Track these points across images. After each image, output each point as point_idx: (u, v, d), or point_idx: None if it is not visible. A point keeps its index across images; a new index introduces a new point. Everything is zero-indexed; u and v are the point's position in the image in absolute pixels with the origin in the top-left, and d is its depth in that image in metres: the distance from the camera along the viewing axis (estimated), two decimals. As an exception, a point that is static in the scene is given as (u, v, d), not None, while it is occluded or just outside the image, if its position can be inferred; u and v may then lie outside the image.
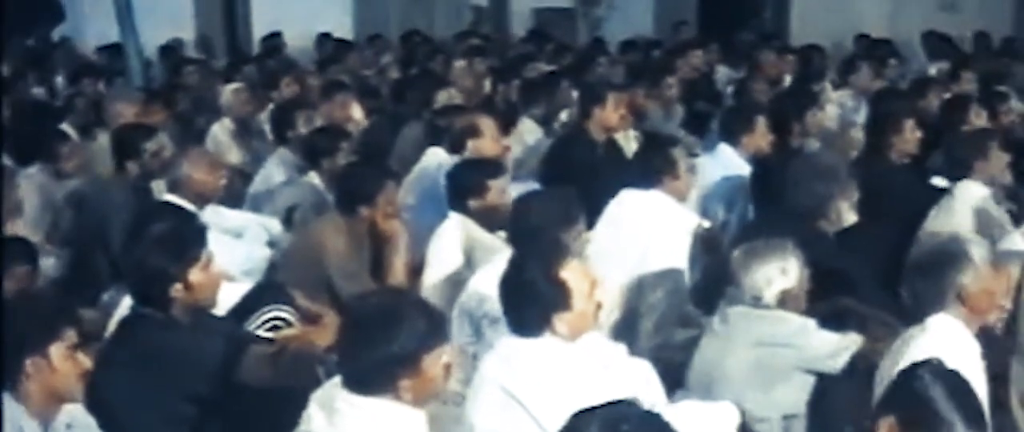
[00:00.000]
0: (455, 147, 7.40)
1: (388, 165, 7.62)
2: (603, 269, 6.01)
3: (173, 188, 6.70)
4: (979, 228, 6.43)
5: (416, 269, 6.33)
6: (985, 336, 4.71)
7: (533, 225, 5.39)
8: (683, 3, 18.26)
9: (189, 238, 4.89)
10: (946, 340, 4.52)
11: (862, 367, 4.90)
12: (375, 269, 6.35)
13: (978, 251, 4.59)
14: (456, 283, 5.84)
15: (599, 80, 10.60)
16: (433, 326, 3.76)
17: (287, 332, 5.20)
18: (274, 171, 8.22)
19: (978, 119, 8.39)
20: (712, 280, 5.93)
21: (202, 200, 6.73)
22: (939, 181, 7.49)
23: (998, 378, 5.35)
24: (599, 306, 4.41)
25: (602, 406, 3.00)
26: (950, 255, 4.59)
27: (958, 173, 6.82)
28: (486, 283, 4.97)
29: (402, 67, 13.41)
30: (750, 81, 10.63)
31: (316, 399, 3.85)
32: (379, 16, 17.37)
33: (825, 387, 4.99)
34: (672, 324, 6.09)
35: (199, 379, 4.66)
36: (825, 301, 5.43)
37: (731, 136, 7.74)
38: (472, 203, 6.24)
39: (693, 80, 11.78)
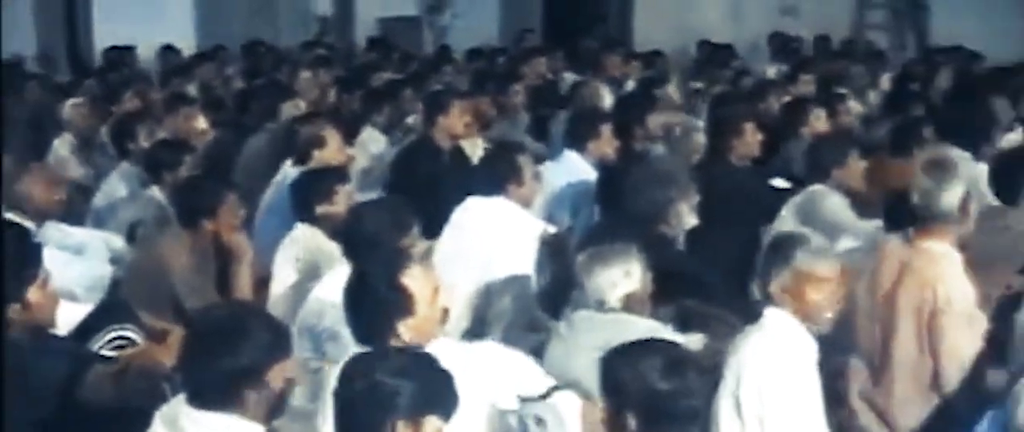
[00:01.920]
0: (300, 158, 7.36)
1: (230, 177, 7.56)
2: (450, 276, 6.03)
3: (13, 205, 6.57)
4: (821, 228, 6.57)
5: (263, 281, 6.29)
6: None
7: (366, 234, 5.37)
8: (528, 11, 18.38)
9: (24, 257, 4.79)
10: (778, 335, 4.62)
11: (705, 366, 4.96)
12: (221, 283, 6.28)
13: (811, 248, 4.67)
14: (302, 294, 5.80)
15: (443, 88, 10.62)
16: (277, 339, 3.73)
17: (131, 351, 5.12)
18: (116, 186, 8.08)
19: (817, 121, 8.58)
20: (558, 285, 5.97)
21: (42, 217, 6.61)
22: (780, 182, 7.64)
23: (838, 373, 5.50)
24: (445, 311, 4.42)
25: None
26: (783, 252, 4.68)
27: (816, 178, 6.94)
28: (327, 293, 4.95)
29: (247, 78, 13.28)
30: (590, 86, 10.73)
31: (160, 416, 3.79)
32: (223, 27, 17.17)
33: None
34: (520, 330, 6.11)
35: (40, 401, 4.57)
36: (669, 303, 5.50)
37: (576, 142, 7.79)
38: (319, 210, 6.21)
39: (538, 87, 11.84)
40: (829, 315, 4.68)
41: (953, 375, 5.13)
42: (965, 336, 5.12)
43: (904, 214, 5.32)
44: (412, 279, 4.20)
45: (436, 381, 3.60)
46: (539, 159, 7.88)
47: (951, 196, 5.14)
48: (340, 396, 3.58)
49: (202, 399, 3.66)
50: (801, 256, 4.63)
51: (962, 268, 5.22)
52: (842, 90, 10.59)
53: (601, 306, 5.06)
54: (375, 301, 4.17)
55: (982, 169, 6.92)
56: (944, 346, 5.10)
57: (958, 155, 5.68)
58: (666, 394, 3.66)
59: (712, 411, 4.56)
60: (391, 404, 3.48)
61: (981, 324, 5.19)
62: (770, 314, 4.66)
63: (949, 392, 5.18)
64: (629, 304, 5.05)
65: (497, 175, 6.39)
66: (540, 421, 4.21)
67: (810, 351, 4.69)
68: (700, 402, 3.77)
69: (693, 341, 5.08)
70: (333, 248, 6.00)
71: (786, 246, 4.71)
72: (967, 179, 5.33)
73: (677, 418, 3.69)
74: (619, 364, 3.81)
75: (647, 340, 4.09)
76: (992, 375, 5.16)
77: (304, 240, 6.21)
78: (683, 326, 5.28)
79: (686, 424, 3.73)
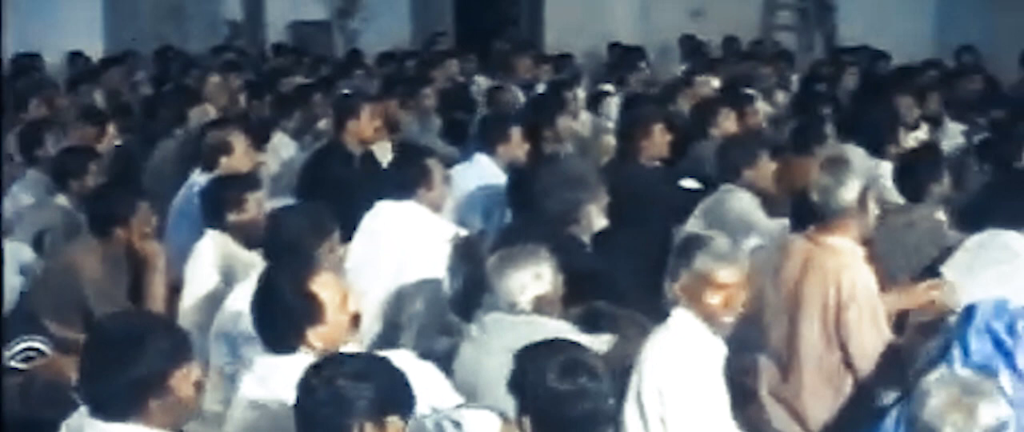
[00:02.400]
0: (207, 164, 7.31)
1: (139, 184, 7.49)
2: (361, 281, 6.06)
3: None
4: (731, 228, 6.64)
5: (176, 289, 6.24)
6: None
7: (286, 240, 5.35)
8: (440, 14, 18.38)
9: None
10: (681, 336, 4.67)
11: (615, 367, 4.99)
12: (134, 292, 6.22)
13: (712, 252, 4.72)
14: (215, 302, 5.76)
15: (353, 92, 10.59)
16: (178, 344, 3.70)
17: (39, 362, 5.06)
18: (23, 194, 7.98)
19: (727, 121, 8.67)
20: (470, 288, 5.99)
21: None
22: (690, 183, 7.70)
23: (748, 371, 5.56)
24: (356, 317, 4.41)
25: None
26: (686, 254, 4.72)
27: (726, 178, 7.00)
28: (242, 300, 4.92)
29: (155, 84, 13.16)
30: (503, 89, 10.77)
31: (66, 428, 3.75)
32: (131, 33, 16.98)
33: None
34: (433, 333, 6.12)
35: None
36: (580, 305, 5.52)
37: (487, 145, 7.80)
38: (230, 218, 6.17)
39: (449, 90, 11.86)
40: (729, 319, 4.72)
41: (861, 366, 5.22)
42: (870, 327, 5.20)
43: (808, 212, 5.39)
44: (321, 286, 4.18)
45: (395, 382, 3.64)
46: (450, 162, 7.91)
47: (849, 192, 5.22)
48: (302, 404, 3.60)
49: (104, 410, 3.61)
50: (701, 259, 4.68)
51: (863, 261, 5.32)
52: (750, 91, 10.70)
53: (512, 308, 5.07)
54: (284, 309, 4.14)
55: (887, 167, 7.04)
56: (851, 337, 5.19)
57: (856, 153, 5.73)
58: (562, 396, 3.72)
59: (621, 413, 4.61)
60: (354, 408, 3.52)
61: (885, 316, 5.29)
62: (676, 315, 4.72)
63: (857, 384, 5.27)
64: (540, 306, 5.06)
65: (407, 179, 6.40)
66: (457, 424, 4.21)
67: (714, 352, 4.73)
68: (601, 405, 3.80)
69: (602, 342, 5.10)
70: (246, 255, 5.97)
71: (689, 248, 4.76)
72: (868, 176, 5.42)
73: (573, 421, 3.74)
74: (521, 364, 3.88)
75: (552, 341, 4.12)
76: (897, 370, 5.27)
77: (216, 248, 6.16)
78: (594, 327, 5.30)
79: (585, 427, 3.76)
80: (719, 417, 4.73)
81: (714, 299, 4.67)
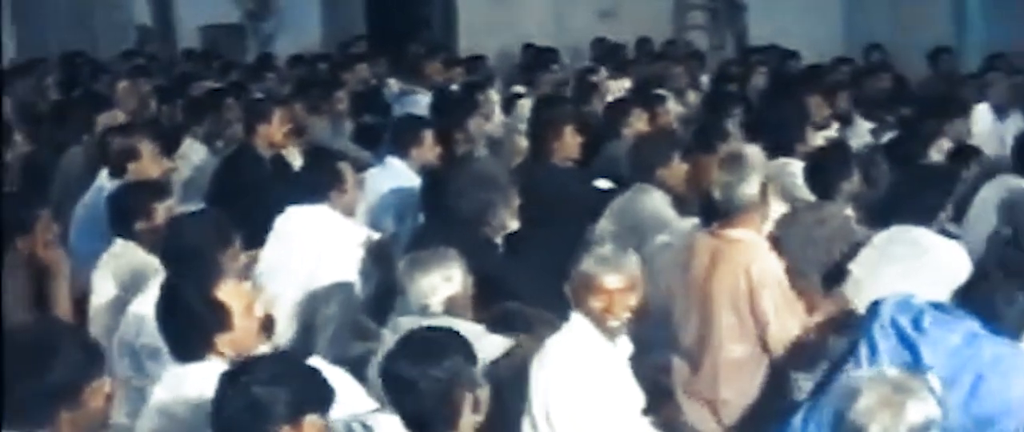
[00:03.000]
0: (115, 170, 7.22)
1: (47, 191, 7.39)
2: (274, 286, 6.04)
3: None
4: (642, 227, 6.67)
5: (82, 298, 6.16)
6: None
7: (187, 247, 5.31)
8: (353, 17, 18.30)
9: None
10: (572, 340, 4.68)
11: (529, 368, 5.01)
12: (38, 301, 6.13)
13: (596, 256, 4.75)
14: (121, 311, 5.70)
15: (264, 96, 10.52)
16: (91, 356, 3.67)
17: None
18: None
19: (639, 121, 8.71)
20: (384, 292, 5.99)
21: None
22: (603, 183, 7.72)
23: (662, 369, 5.60)
24: (269, 321, 4.39)
25: None
26: (578, 257, 4.75)
27: (638, 178, 7.02)
28: (145, 309, 4.87)
29: (64, 90, 12.99)
30: (415, 92, 10.76)
31: (-29, 438, 3.70)
32: (39, 38, 16.79)
33: (496, 389, 5.07)
34: (347, 337, 6.12)
35: None
36: (493, 306, 5.53)
37: (399, 148, 7.77)
38: (138, 226, 6.10)
39: (362, 93, 11.81)
40: (615, 324, 4.74)
41: (779, 350, 5.32)
42: (785, 311, 5.32)
43: (714, 209, 5.45)
44: (226, 293, 4.16)
45: (310, 381, 3.67)
46: (363, 166, 7.89)
47: (748, 187, 5.31)
48: (219, 414, 3.59)
49: (15, 421, 3.56)
50: (586, 263, 4.71)
51: (768, 251, 5.43)
52: (662, 91, 10.75)
53: (424, 311, 5.09)
54: (190, 317, 4.12)
55: (797, 165, 7.10)
56: (768, 323, 5.29)
57: (754, 150, 5.79)
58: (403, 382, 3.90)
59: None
60: (272, 413, 3.53)
61: (797, 303, 5.35)
62: (573, 318, 4.74)
63: (772, 374, 5.34)
64: (451, 307, 5.08)
65: (318, 183, 6.38)
66: (368, 428, 4.20)
67: (608, 355, 4.75)
68: (436, 387, 3.88)
69: (517, 343, 5.12)
70: (152, 263, 5.90)
71: (580, 251, 4.78)
72: (768, 171, 5.48)
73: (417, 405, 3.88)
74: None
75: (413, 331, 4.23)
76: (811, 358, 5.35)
77: (123, 256, 6.09)
78: (508, 329, 5.31)
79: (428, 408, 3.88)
80: (620, 419, 4.75)
81: (597, 304, 4.71)
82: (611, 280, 4.70)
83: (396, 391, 3.95)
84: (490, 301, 5.49)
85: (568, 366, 4.66)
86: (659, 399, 5.44)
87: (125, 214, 6.13)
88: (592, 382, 4.67)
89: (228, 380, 3.62)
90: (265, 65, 14.40)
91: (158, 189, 6.39)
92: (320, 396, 3.67)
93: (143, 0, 18.25)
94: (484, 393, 4.02)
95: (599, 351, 4.72)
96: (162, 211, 6.13)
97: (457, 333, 4.17)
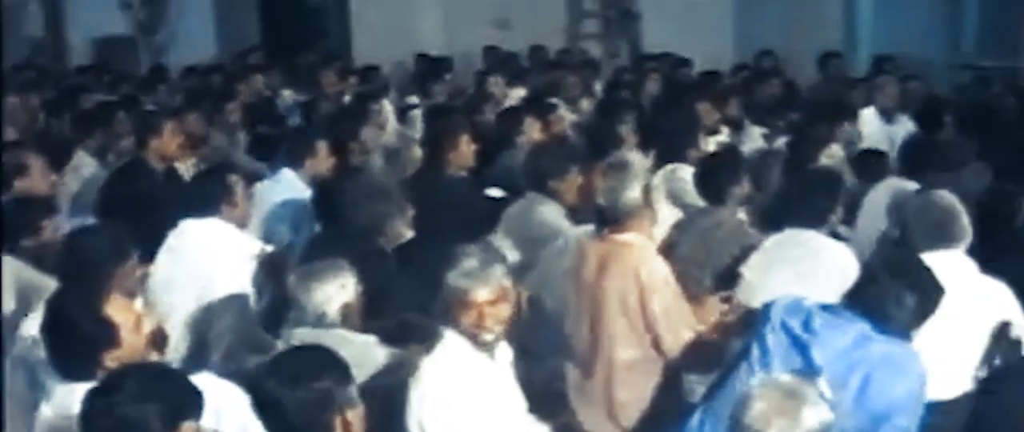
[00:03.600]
0: (1, 186, 7.11)
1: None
2: (167, 300, 5.98)
3: None
4: (535, 235, 6.69)
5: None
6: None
7: (83, 262, 5.25)
8: (247, 28, 18.19)
9: None
10: (450, 354, 4.68)
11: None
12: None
13: (461, 270, 4.69)
14: (13, 328, 5.61)
15: (156, 108, 10.41)
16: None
17: None
18: None
19: (532, 130, 8.73)
20: (278, 304, 5.94)
21: None
22: (497, 192, 7.74)
23: (555, 376, 5.62)
24: (161, 337, 4.35)
25: None
26: (445, 271, 4.73)
27: (533, 187, 7.03)
28: (37, 326, 4.79)
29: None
30: (309, 102, 10.70)
31: None
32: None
33: (385, 401, 5.06)
34: (242, 351, 6.06)
35: None
36: (388, 317, 5.52)
37: (293, 160, 7.72)
38: (25, 243, 6.01)
39: (256, 104, 11.73)
40: (488, 337, 4.70)
41: (672, 351, 5.37)
42: (676, 312, 5.38)
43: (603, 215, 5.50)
44: (114, 309, 4.11)
45: (176, 388, 3.62)
46: (257, 177, 7.83)
47: (632, 192, 5.36)
48: None
49: None
50: (452, 277, 4.67)
51: (656, 254, 5.50)
52: (556, 100, 10.79)
53: (321, 320, 5.07)
54: (77, 335, 4.07)
55: (688, 171, 7.16)
56: (659, 325, 5.34)
57: (637, 156, 5.85)
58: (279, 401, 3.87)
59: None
60: (144, 430, 3.48)
61: (687, 306, 5.40)
62: (447, 335, 4.74)
63: (667, 375, 5.38)
64: (347, 315, 5.07)
65: (209, 196, 6.33)
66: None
67: (484, 367, 4.73)
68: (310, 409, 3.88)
69: (413, 354, 5.10)
70: (42, 280, 5.82)
71: (446, 265, 4.75)
72: (663, 179, 5.53)
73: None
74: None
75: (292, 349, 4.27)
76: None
77: (11, 273, 5.99)
78: (403, 340, 5.30)
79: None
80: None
81: (469, 319, 4.66)
82: (480, 293, 4.64)
83: (264, 411, 3.92)
84: (385, 312, 5.48)
85: (442, 385, 4.61)
86: (555, 405, 5.47)
87: (12, 231, 6.04)
88: (467, 400, 4.62)
89: (95, 399, 3.56)
90: (157, 77, 14.24)
91: (46, 206, 6.31)
92: (192, 402, 3.63)
93: (34, 13, 17.97)
94: (357, 413, 3.98)
95: (474, 366, 4.68)
96: (49, 228, 6.06)
97: (329, 352, 4.13)
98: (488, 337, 4.67)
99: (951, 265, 5.22)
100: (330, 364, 4.00)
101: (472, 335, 4.67)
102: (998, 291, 5.43)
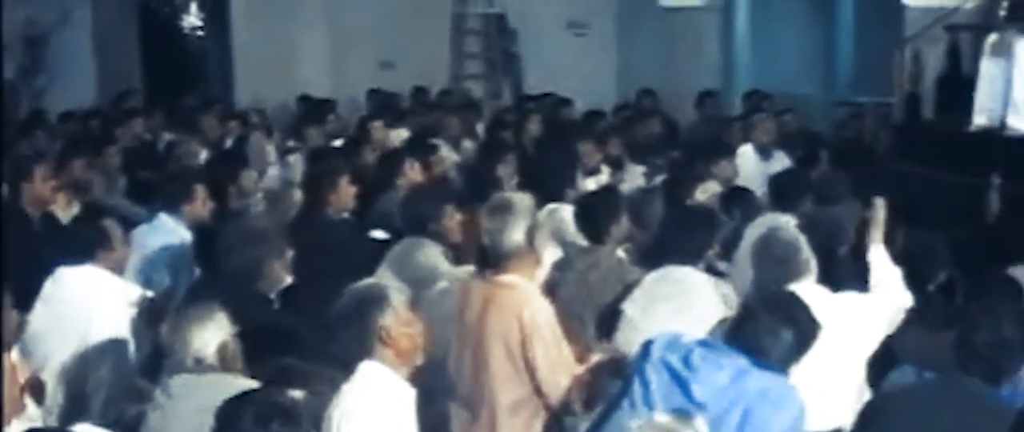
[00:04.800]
0: None
1: None
2: (44, 349, 5.90)
3: None
4: (417, 278, 6.69)
5: None
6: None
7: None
8: (127, 71, 18.00)
9: None
10: (367, 388, 4.67)
11: (307, 424, 4.97)
12: None
13: (396, 295, 4.77)
14: None
15: (33, 153, 10.27)
16: None
17: None
18: None
19: (412, 171, 8.74)
20: (157, 350, 5.87)
21: None
22: (379, 234, 7.72)
23: (441, 419, 5.60)
24: (39, 387, 4.28)
25: None
26: (368, 301, 4.75)
27: (413, 228, 7.02)
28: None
29: None
30: (187, 146, 10.61)
31: None
32: None
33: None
34: (121, 400, 5.99)
35: None
36: (269, 361, 5.47)
37: (171, 204, 7.65)
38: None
39: (135, 148, 11.61)
40: (416, 362, 4.74)
41: (552, 394, 5.37)
42: (556, 356, 5.37)
43: (486, 256, 5.52)
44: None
45: None
46: (137, 223, 7.75)
47: (515, 234, 5.38)
48: None
49: None
50: (378, 306, 4.70)
51: (540, 295, 5.52)
52: (438, 140, 10.82)
53: (199, 365, 5.01)
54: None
55: (568, 211, 7.21)
56: (539, 368, 5.34)
57: (524, 197, 5.88)
58: None
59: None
60: None
61: (568, 348, 5.43)
62: (363, 367, 4.72)
63: (549, 416, 5.40)
64: (225, 357, 5.03)
65: (85, 242, 6.27)
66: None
67: (403, 400, 4.75)
68: None
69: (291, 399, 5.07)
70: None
71: (367, 298, 4.77)
72: (536, 217, 5.56)
73: None
74: (220, 420, 3.96)
75: (248, 392, 4.16)
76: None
77: None
78: (284, 384, 5.25)
79: None
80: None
81: (404, 344, 4.70)
82: (407, 318, 4.73)
83: None
84: (267, 357, 5.44)
85: (365, 417, 4.62)
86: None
87: None
88: (387, 426, 4.64)
89: None
90: (36, 122, 14.04)
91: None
92: None
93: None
94: None
95: (395, 396, 4.71)
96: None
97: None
98: (415, 362, 4.74)
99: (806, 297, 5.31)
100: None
101: (395, 362, 4.70)
102: (854, 304, 5.54)
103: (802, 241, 5.77)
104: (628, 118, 12.92)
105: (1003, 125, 9.61)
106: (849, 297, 5.82)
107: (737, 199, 8.33)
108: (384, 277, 6.74)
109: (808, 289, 5.55)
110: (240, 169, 8.70)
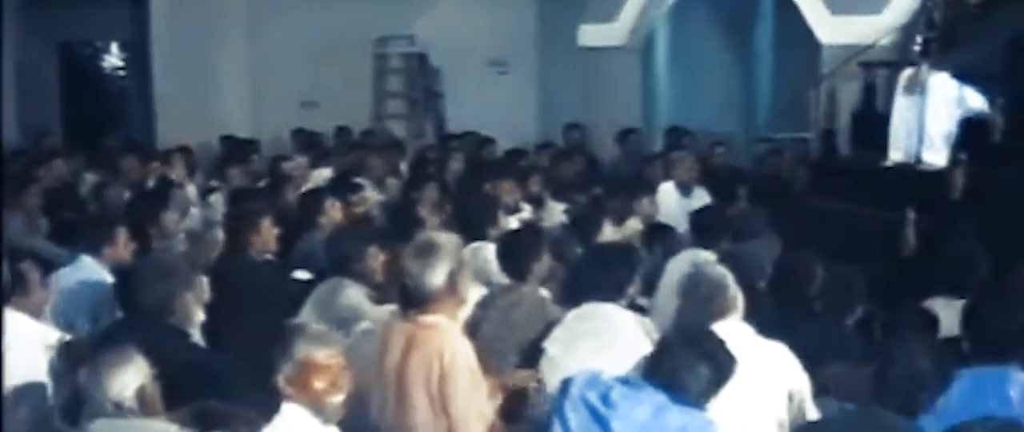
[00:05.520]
0: None
1: None
2: (-41, 395, 5.80)
3: None
4: (340, 318, 6.69)
5: None
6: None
7: None
8: (47, 112, 17.86)
9: None
10: (294, 428, 4.67)
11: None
12: None
13: (309, 336, 4.76)
14: None
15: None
16: None
17: None
18: None
19: (333, 210, 8.74)
20: (76, 394, 5.82)
21: None
22: (302, 274, 7.72)
23: None
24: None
25: None
26: (285, 344, 4.75)
27: (336, 268, 7.02)
28: None
29: None
30: (110, 188, 10.54)
31: None
32: None
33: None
34: (39, 445, 5.92)
35: None
36: (189, 403, 5.45)
37: (92, 245, 7.60)
38: None
39: (56, 189, 11.52)
40: (338, 400, 4.74)
41: None
42: (472, 395, 5.38)
43: (408, 296, 5.52)
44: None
45: None
46: (56, 264, 7.68)
47: (437, 275, 5.39)
48: None
49: None
50: (300, 345, 4.70)
51: (461, 335, 5.54)
52: (361, 180, 10.83)
53: (119, 409, 4.98)
54: None
55: (490, 249, 7.25)
56: (454, 407, 5.33)
57: (449, 237, 5.88)
58: None
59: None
60: None
61: (486, 387, 5.46)
62: (285, 409, 4.71)
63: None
64: (143, 399, 5.00)
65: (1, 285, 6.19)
66: None
67: None
68: None
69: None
70: None
71: (288, 338, 4.78)
72: (460, 257, 5.57)
73: None
74: None
75: None
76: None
77: None
78: (205, 427, 5.24)
79: None
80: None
81: (320, 383, 4.68)
82: (329, 356, 4.70)
83: None
84: (186, 398, 5.41)
85: None
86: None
87: None
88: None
89: None
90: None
91: None
92: None
93: None
94: None
95: None
96: None
97: None
98: (337, 400, 4.70)
99: (729, 334, 5.38)
100: None
101: (319, 402, 4.67)
102: (778, 353, 5.60)
103: (730, 279, 5.82)
104: (551, 156, 13.00)
105: (918, 160, 9.75)
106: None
107: (659, 235, 8.41)
108: (308, 318, 6.78)
109: (733, 326, 5.62)
110: (161, 210, 8.65)
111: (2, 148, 10.08)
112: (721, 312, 5.71)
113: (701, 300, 5.78)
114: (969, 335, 5.40)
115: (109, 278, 7.19)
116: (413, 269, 5.42)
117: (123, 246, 7.58)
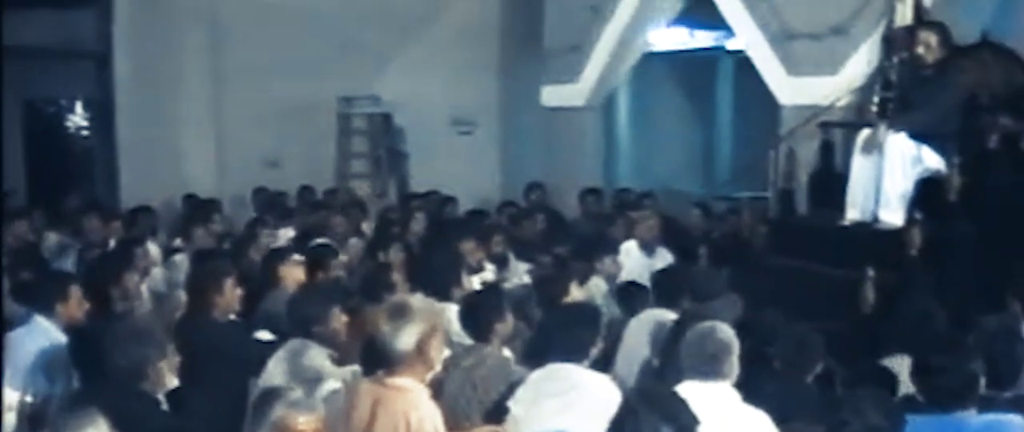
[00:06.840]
0: None
1: None
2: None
3: None
4: (304, 379, 6.68)
5: None
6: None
7: None
8: (11, 170, 17.78)
9: None
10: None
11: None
12: None
13: (288, 401, 4.80)
14: None
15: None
16: None
17: None
18: None
19: (297, 271, 8.73)
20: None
21: None
22: (265, 335, 7.70)
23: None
24: None
25: None
26: (263, 408, 4.77)
27: (298, 329, 7.01)
28: None
29: None
30: (70, 248, 10.51)
31: None
32: None
33: None
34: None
35: None
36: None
37: (45, 305, 7.50)
38: None
39: (18, 249, 11.47)
40: None
41: None
42: None
43: (375, 357, 5.54)
44: None
45: None
46: (13, 326, 7.62)
47: (408, 337, 5.40)
48: None
49: None
50: (279, 409, 4.73)
51: (428, 399, 5.52)
52: (324, 240, 10.83)
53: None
54: None
55: (453, 310, 7.28)
56: None
57: (421, 299, 5.90)
58: None
59: None
60: None
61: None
62: None
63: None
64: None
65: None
66: None
67: None
68: None
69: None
70: None
71: (265, 401, 4.80)
72: (431, 320, 5.58)
73: None
74: None
75: None
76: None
77: None
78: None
79: None
80: None
81: None
82: (307, 421, 4.75)
83: None
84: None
85: None
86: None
87: None
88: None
89: None
90: (-86, 224, 13.80)
91: None
92: None
93: None
94: None
95: None
96: None
97: None
98: None
99: (718, 396, 5.43)
100: None
101: None
102: (761, 422, 5.64)
103: (735, 345, 5.87)
104: (514, 215, 13.04)
105: (875, 219, 9.83)
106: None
107: (631, 294, 8.46)
108: (271, 379, 6.78)
109: (725, 391, 5.68)
110: (123, 270, 8.60)
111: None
112: (722, 374, 5.76)
113: (706, 358, 5.81)
114: (918, 386, 5.48)
115: (62, 338, 7.09)
116: (384, 330, 5.43)
117: (77, 305, 7.42)
